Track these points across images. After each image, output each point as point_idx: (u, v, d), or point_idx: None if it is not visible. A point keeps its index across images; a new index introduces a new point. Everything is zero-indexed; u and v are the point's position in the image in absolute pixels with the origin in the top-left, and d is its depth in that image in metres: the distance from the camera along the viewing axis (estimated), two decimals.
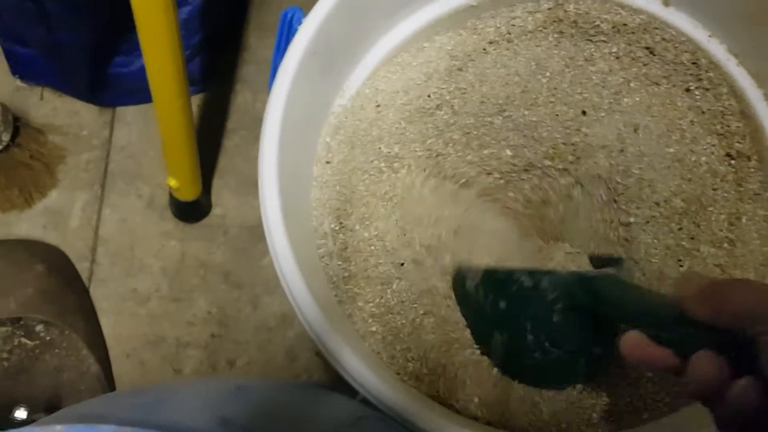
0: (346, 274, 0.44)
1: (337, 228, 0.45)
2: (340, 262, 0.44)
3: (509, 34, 0.48)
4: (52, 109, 0.77)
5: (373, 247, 0.44)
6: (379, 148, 0.45)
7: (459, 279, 0.43)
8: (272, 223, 0.39)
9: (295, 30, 0.42)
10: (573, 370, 0.41)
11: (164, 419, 0.27)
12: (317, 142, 0.47)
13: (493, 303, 0.41)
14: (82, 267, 0.73)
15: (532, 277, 0.40)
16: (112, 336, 0.71)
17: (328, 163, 0.46)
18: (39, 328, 0.70)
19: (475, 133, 0.44)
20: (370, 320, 0.43)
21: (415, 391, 0.41)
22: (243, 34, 0.78)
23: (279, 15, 0.79)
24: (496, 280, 0.42)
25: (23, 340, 0.70)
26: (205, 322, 0.70)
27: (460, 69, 0.46)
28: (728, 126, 0.45)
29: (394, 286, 0.43)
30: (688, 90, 0.46)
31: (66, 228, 0.74)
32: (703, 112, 0.45)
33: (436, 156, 0.45)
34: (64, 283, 0.71)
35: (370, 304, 0.43)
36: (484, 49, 0.47)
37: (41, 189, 0.75)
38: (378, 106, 0.46)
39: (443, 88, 0.45)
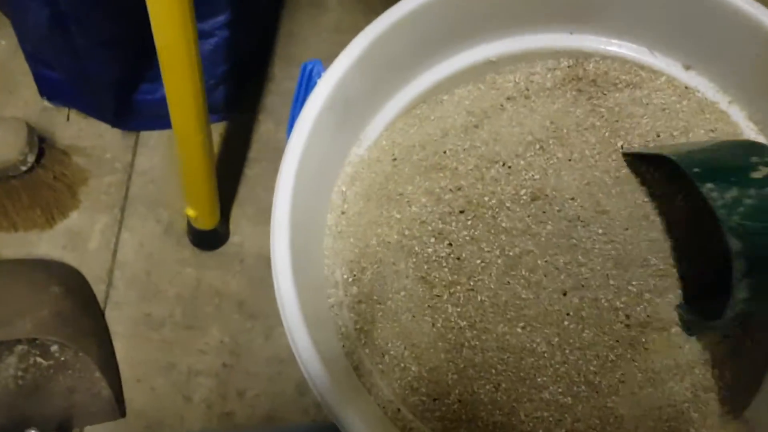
0: (357, 326, 0.44)
1: (350, 279, 0.45)
2: (351, 314, 0.44)
3: (527, 90, 0.48)
4: (77, 130, 0.79)
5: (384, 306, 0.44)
6: (396, 201, 0.45)
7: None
8: (279, 267, 0.40)
9: (315, 83, 0.43)
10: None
11: None
12: (332, 190, 0.47)
13: None
14: (98, 289, 0.74)
15: None
16: (125, 360, 0.72)
17: (343, 213, 0.46)
18: (54, 348, 0.71)
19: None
20: (374, 372, 0.43)
21: None
22: (268, 65, 0.79)
23: (304, 47, 0.80)
24: None
25: (38, 359, 0.71)
26: (217, 351, 0.71)
27: (476, 126, 0.46)
28: None
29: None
30: None
31: (85, 250, 0.75)
32: None
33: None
34: (80, 306, 0.72)
35: (371, 345, 0.43)
36: (501, 105, 0.47)
37: (63, 210, 0.76)
38: (395, 159, 0.46)
39: (458, 145, 0.45)
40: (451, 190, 0.45)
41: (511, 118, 0.46)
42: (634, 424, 0.40)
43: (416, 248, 0.45)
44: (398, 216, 0.46)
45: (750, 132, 0.45)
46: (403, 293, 0.45)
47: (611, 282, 0.42)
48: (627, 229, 0.43)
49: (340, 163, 0.47)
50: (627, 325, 0.41)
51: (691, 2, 0.43)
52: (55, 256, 0.75)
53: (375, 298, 0.45)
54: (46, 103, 0.78)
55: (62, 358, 0.71)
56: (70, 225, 0.76)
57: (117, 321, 0.73)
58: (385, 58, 0.45)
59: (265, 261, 0.74)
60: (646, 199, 0.44)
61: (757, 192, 0.36)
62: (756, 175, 0.37)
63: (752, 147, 0.41)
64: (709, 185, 0.37)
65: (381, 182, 0.46)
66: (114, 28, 0.61)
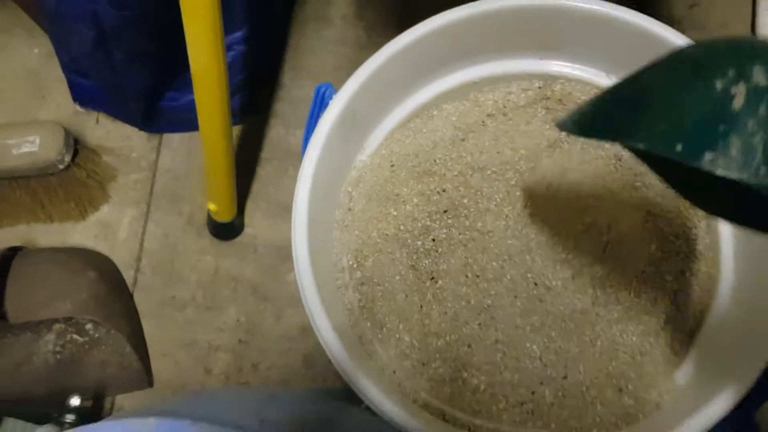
0: (361, 304, 0.53)
1: (354, 265, 0.54)
2: (355, 294, 0.54)
3: (505, 107, 0.57)
4: (106, 132, 0.87)
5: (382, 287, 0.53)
6: (392, 201, 0.54)
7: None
8: (300, 256, 0.49)
9: (327, 104, 0.52)
10: None
11: (221, 417, 0.36)
12: (341, 191, 0.56)
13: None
14: (127, 275, 0.83)
15: None
16: (152, 336, 0.81)
17: (349, 210, 0.55)
18: (89, 326, 0.80)
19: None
20: (374, 341, 0.53)
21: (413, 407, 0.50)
22: (279, 74, 0.88)
23: (311, 58, 0.89)
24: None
25: (74, 336, 0.80)
26: (233, 329, 0.80)
27: (462, 139, 0.55)
28: None
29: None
30: None
31: (115, 239, 0.84)
32: None
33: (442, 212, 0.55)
34: (112, 289, 0.81)
35: (372, 319, 0.53)
36: (483, 122, 0.56)
37: (94, 204, 0.85)
38: (392, 165, 0.56)
39: (446, 155, 0.55)
40: (438, 192, 0.54)
41: (492, 132, 0.56)
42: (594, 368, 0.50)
43: (408, 240, 0.54)
44: (395, 213, 0.55)
45: None
46: (398, 277, 0.54)
47: (558, 267, 0.52)
48: None
49: (347, 168, 0.56)
50: (546, 287, 0.51)
51: (636, 39, 0.52)
52: (88, 245, 0.84)
53: (375, 281, 0.54)
54: (77, 107, 0.87)
55: (96, 335, 0.80)
56: (101, 217, 0.85)
57: (144, 303, 0.82)
58: (385, 81, 0.54)
59: (275, 250, 0.83)
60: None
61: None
62: (737, 104, 0.27)
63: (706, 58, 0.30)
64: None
65: (381, 184, 0.55)
66: (148, 44, 0.69)
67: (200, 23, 0.52)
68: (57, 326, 0.80)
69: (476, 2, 0.53)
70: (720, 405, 0.44)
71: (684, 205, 0.54)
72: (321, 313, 0.48)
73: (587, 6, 0.52)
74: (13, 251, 0.79)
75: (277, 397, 0.41)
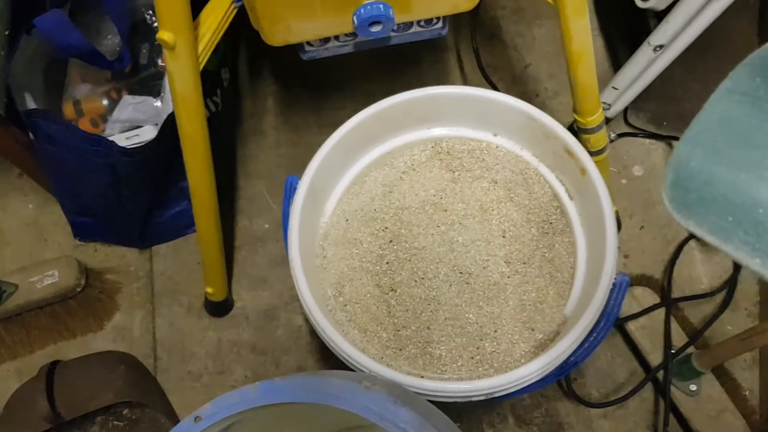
0: (347, 318, 0.76)
1: (336, 294, 0.77)
2: (342, 313, 0.76)
3: (412, 165, 0.83)
4: (104, 256, 1.07)
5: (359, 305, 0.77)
6: (352, 244, 0.78)
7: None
8: (304, 294, 0.71)
9: (295, 188, 0.76)
10: None
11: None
12: (315, 244, 0.80)
13: None
14: (148, 363, 1.01)
15: None
16: (179, 406, 0.99)
17: (324, 257, 0.79)
18: (125, 411, 0.97)
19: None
20: (365, 343, 0.75)
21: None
22: (235, 180, 1.11)
23: (256, 163, 1.13)
24: None
25: (115, 422, 0.97)
26: (243, 383, 1.00)
27: (390, 192, 0.80)
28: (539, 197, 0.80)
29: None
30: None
31: (131, 338, 1.03)
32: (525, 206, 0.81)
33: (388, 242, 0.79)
34: (140, 376, 0.99)
35: (358, 328, 0.75)
36: (401, 177, 0.82)
37: (108, 314, 1.04)
38: (347, 220, 0.80)
39: (382, 204, 0.80)
40: (382, 230, 0.79)
41: (408, 183, 0.81)
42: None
43: (369, 267, 0.78)
44: (356, 251, 0.79)
45: (533, 161, 0.81)
46: (368, 295, 0.78)
47: (474, 257, 0.77)
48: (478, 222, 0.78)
49: (316, 228, 0.80)
50: (469, 273, 0.76)
51: (487, 104, 0.79)
52: (109, 348, 1.02)
53: (353, 301, 0.77)
54: (77, 242, 1.07)
55: (134, 417, 0.97)
56: (115, 323, 1.04)
57: (167, 381, 1.00)
58: (330, 165, 0.78)
59: (262, 314, 1.04)
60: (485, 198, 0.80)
61: None
62: None
63: None
64: None
65: (342, 234, 0.79)
66: (148, 178, 0.92)
67: (197, 154, 0.76)
68: (99, 418, 0.97)
69: (379, 102, 0.79)
70: (588, 319, 0.69)
71: (546, 202, 0.81)
72: (327, 324, 0.70)
73: (450, 91, 0.80)
74: (53, 365, 0.96)
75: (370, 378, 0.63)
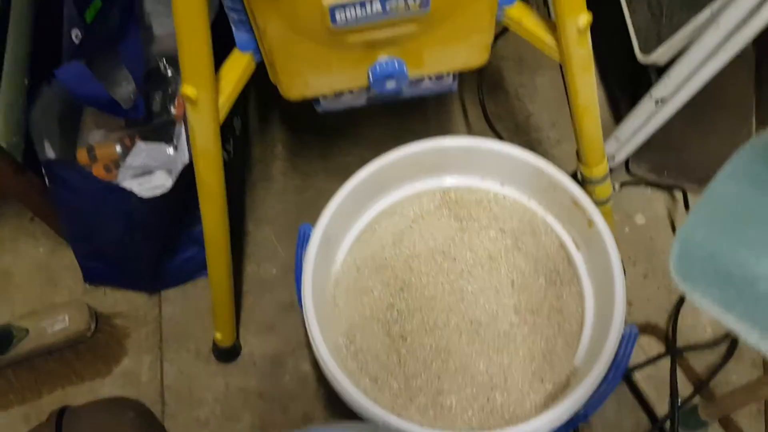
0: (359, 367, 0.77)
1: (348, 342, 0.78)
2: (353, 362, 0.77)
3: (421, 214, 0.85)
4: (114, 300, 1.08)
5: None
6: (363, 292, 0.80)
7: None
8: (316, 338, 0.72)
9: (309, 236, 0.77)
10: None
11: None
12: (327, 293, 0.81)
13: None
14: (156, 409, 1.01)
15: None
16: None
17: (336, 305, 0.80)
18: None
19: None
20: (375, 392, 0.76)
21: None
22: (244, 224, 1.13)
23: (264, 208, 1.14)
24: None
25: None
26: (250, 430, 1.00)
27: (400, 240, 0.82)
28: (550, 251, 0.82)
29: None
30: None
31: (139, 383, 1.03)
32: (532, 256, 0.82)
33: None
34: (149, 423, 0.99)
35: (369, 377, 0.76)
36: (410, 226, 0.83)
37: (116, 359, 1.04)
38: (358, 268, 0.81)
39: (392, 253, 0.81)
40: (393, 279, 0.80)
41: (418, 231, 0.83)
42: None
43: (380, 316, 0.79)
44: (367, 300, 0.80)
45: (540, 211, 0.83)
46: (379, 344, 0.79)
47: (484, 306, 0.78)
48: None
49: (329, 276, 0.81)
50: (479, 323, 0.77)
51: (494, 155, 0.82)
52: (117, 393, 1.02)
53: (364, 350, 0.78)
54: (87, 286, 1.08)
55: None
56: (124, 369, 1.04)
57: (175, 427, 1.00)
58: (342, 213, 0.80)
59: (269, 360, 1.04)
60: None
61: None
62: None
63: None
64: None
65: (353, 282, 0.80)
66: (165, 228, 0.93)
67: (214, 204, 0.77)
68: None
69: (389, 153, 0.81)
70: (599, 371, 0.70)
71: (554, 252, 0.82)
72: (340, 374, 0.71)
73: (459, 143, 0.82)
74: (63, 411, 0.96)
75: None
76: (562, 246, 0.81)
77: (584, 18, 0.66)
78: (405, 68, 0.69)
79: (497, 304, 0.78)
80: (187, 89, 0.64)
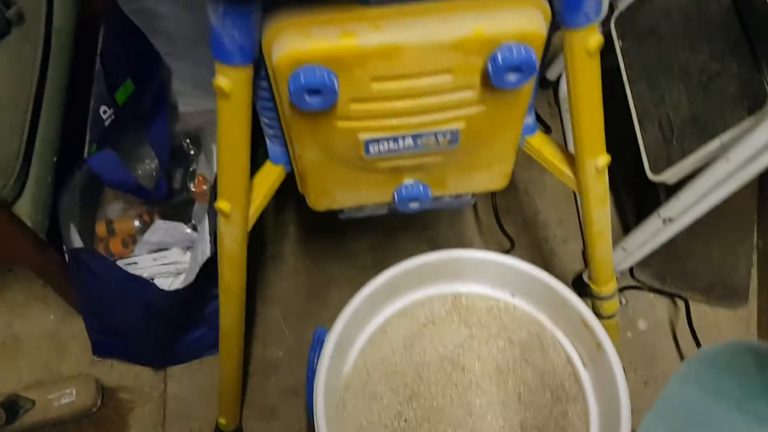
0: None
1: None
2: None
3: (432, 319, 0.87)
4: (119, 373, 1.09)
5: None
6: (372, 397, 0.81)
7: None
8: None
9: (323, 339, 0.79)
10: None
11: None
12: (336, 396, 0.82)
13: None
14: None
15: None
16: None
17: (344, 409, 0.81)
18: None
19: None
20: None
21: None
22: (252, 304, 1.14)
23: (274, 288, 1.16)
24: None
25: None
26: None
27: (411, 344, 0.84)
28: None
29: None
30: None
31: None
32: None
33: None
34: None
35: None
36: (421, 331, 0.85)
37: None
38: (368, 372, 0.83)
39: (403, 357, 0.83)
40: (402, 386, 0.82)
41: (428, 337, 0.85)
42: None
43: (387, 423, 0.81)
44: (376, 405, 0.81)
45: (549, 325, 0.85)
46: None
47: (491, 422, 0.80)
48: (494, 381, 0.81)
49: (338, 378, 0.83)
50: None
51: (505, 268, 0.84)
52: None
53: None
54: (95, 358, 1.09)
55: None
56: None
57: None
58: (356, 316, 0.82)
59: None
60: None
61: None
62: None
63: None
64: None
65: (362, 387, 0.82)
66: (181, 315, 0.95)
67: (234, 303, 0.80)
68: None
69: (406, 260, 0.84)
70: None
71: (561, 367, 0.84)
72: None
73: (472, 256, 0.85)
74: None
75: None
76: (570, 362, 0.83)
77: (603, 159, 0.69)
78: (429, 192, 0.72)
79: (504, 420, 0.80)
80: (222, 204, 0.67)
